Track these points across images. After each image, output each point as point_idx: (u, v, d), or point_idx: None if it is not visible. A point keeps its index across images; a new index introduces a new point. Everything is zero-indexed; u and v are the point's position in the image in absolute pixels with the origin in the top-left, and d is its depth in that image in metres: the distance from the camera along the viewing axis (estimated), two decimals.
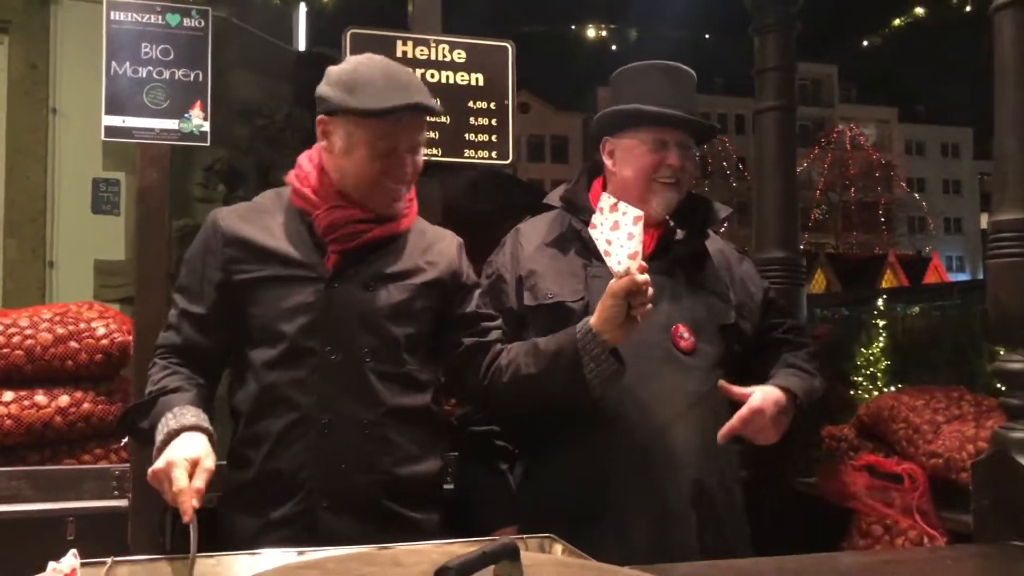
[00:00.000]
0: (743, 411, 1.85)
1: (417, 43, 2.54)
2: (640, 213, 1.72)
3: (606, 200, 1.77)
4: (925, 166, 49.77)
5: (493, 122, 2.59)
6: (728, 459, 2.00)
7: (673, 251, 2.03)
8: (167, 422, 1.59)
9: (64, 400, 2.35)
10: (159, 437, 1.58)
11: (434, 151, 2.53)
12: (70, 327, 2.41)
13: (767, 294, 2.18)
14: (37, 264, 5.15)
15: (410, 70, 1.81)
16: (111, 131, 2.29)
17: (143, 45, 2.32)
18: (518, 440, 2.06)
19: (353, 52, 2.44)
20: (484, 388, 1.84)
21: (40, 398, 2.34)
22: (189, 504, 1.44)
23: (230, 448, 1.80)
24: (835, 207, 38.55)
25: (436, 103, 1.78)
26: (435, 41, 2.55)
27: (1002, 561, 1.80)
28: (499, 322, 1.94)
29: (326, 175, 1.78)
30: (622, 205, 1.74)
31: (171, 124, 2.33)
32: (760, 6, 3.10)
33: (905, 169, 44.48)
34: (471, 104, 2.58)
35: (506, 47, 2.63)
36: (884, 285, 21.28)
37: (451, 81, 2.56)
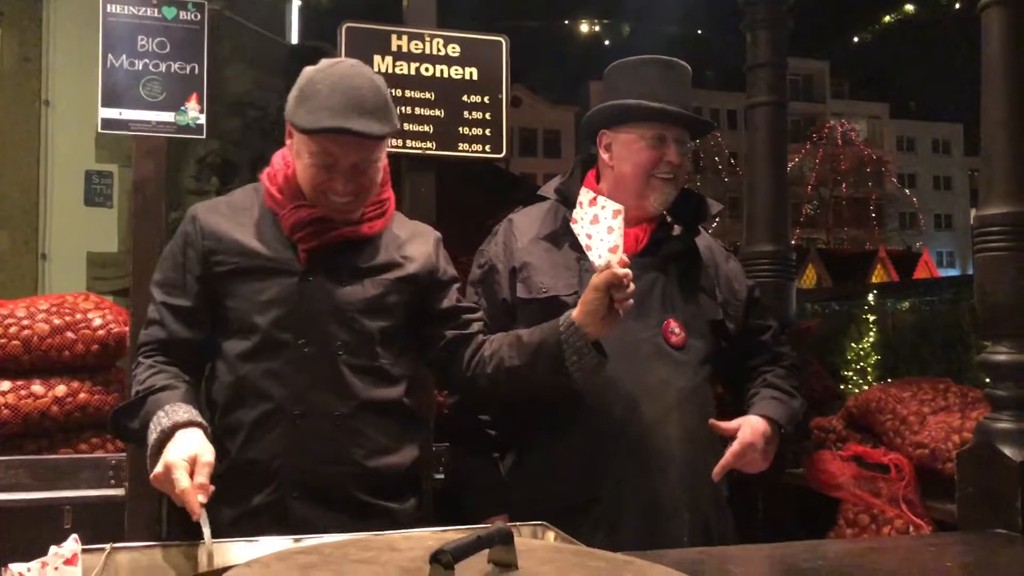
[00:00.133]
0: (735, 447, 1.90)
1: (412, 37, 2.55)
2: (620, 207, 1.74)
3: (586, 194, 1.79)
4: (916, 162, 49.86)
5: (487, 116, 2.61)
6: (715, 452, 2.03)
7: (666, 246, 2.05)
8: (159, 421, 1.59)
9: (61, 390, 2.37)
10: (153, 437, 1.57)
11: (428, 144, 2.55)
12: (67, 318, 2.42)
13: (752, 292, 2.19)
14: (30, 256, 5.16)
15: (378, 85, 1.73)
16: (108, 123, 2.31)
17: (139, 38, 2.33)
18: (509, 430, 2.07)
19: (348, 46, 2.46)
20: (467, 379, 1.87)
21: (37, 388, 2.36)
22: (195, 502, 1.45)
23: None
24: (826, 203, 38.61)
25: (386, 127, 1.71)
26: (430, 35, 2.57)
27: (984, 547, 1.83)
28: (480, 314, 1.96)
29: (293, 174, 1.79)
30: (601, 199, 1.76)
31: (167, 117, 2.34)
32: (752, 2, 3.12)
33: (896, 165, 44.58)
34: (465, 98, 2.60)
35: (500, 41, 2.65)
36: (874, 280, 21.33)
37: (445, 75, 2.58)
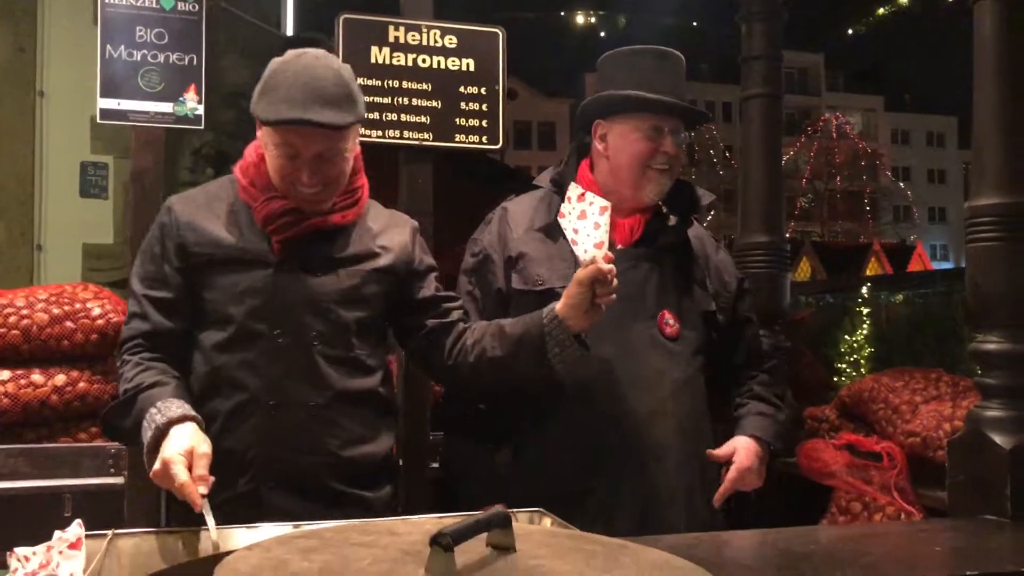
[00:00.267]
0: (732, 474, 1.98)
1: (409, 28, 2.57)
2: (607, 204, 1.76)
3: (574, 190, 1.81)
4: (910, 155, 49.90)
5: (483, 107, 2.63)
6: (708, 441, 2.05)
7: (661, 237, 2.06)
8: (153, 418, 1.59)
9: (60, 379, 2.38)
10: (148, 434, 1.58)
11: (425, 136, 2.57)
12: (66, 307, 2.43)
13: (741, 284, 2.21)
14: (25, 247, 5.14)
15: (341, 75, 1.71)
16: (106, 114, 2.32)
17: (137, 29, 2.34)
18: (505, 423, 2.06)
19: (345, 38, 2.47)
20: (449, 368, 1.88)
21: (37, 377, 2.37)
22: (196, 494, 1.46)
23: None
24: (821, 195, 38.69)
25: (349, 116, 1.69)
26: (427, 27, 2.58)
27: (974, 533, 1.86)
28: (459, 302, 1.97)
29: (264, 165, 1.79)
30: (589, 195, 1.78)
31: (166, 107, 2.36)
32: None
33: (891, 158, 44.62)
34: (462, 89, 2.62)
35: (497, 33, 2.66)
36: (869, 273, 21.41)
37: (442, 66, 2.59)
